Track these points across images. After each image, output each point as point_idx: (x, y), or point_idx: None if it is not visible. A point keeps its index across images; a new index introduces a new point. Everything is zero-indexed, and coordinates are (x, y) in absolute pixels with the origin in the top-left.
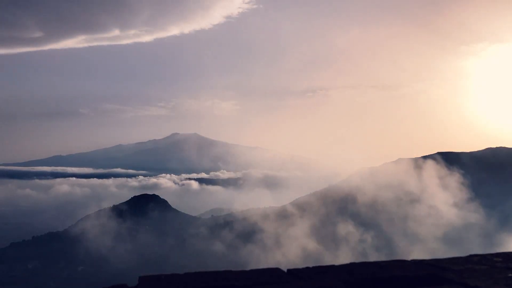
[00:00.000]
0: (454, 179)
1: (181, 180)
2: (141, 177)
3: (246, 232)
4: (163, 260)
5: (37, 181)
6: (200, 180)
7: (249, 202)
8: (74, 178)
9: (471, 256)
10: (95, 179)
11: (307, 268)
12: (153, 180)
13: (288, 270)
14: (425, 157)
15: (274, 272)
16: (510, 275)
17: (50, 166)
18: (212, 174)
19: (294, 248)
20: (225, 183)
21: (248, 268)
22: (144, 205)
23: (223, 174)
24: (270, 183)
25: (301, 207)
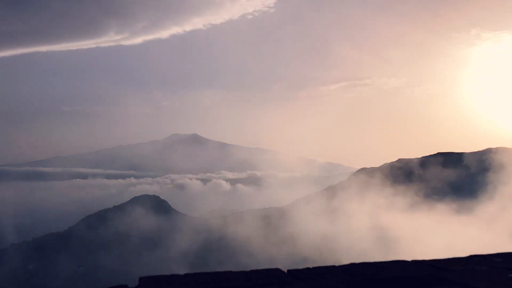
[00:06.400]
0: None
1: (193, 180)
2: (148, 178)
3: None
4: (163, 261)
5: (38, 182)
6: (207, 181)
7: (254, 203)
8: (75, 179)
9: (471, 256)
10: (96, 179)
11: (308, 268)
12: (178, 180)
13: (289, 270)
14: (425, 157)
15: (274, 273)
16: (510, 275)
17: (50, 167)
18: (218, 175)
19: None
20: (233, 183)
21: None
22: (144, 206)
23: (228, 175)
24: (275, 183)
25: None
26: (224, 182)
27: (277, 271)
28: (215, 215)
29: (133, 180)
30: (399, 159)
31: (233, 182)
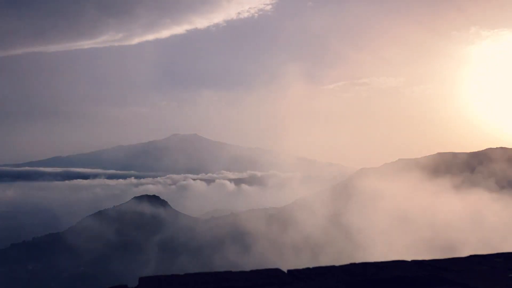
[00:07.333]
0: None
1: (189, 180)
2: (149, 178)
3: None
4: (163, 261)
5: (37, 182)
6: (207, 181)
7: (254, 203)
8: (74, 179)
9: (471, 256)
10: (96, 179)
11: (308, 268)
12: (179, 180)
13: (289, 270)
14: (425, 158)
15: (274, 273)
16: (510, 275)
17: (50, 167)
18: (218, 175)
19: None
20: (235, 183)
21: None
22: (144, 206)
23: (228, 175)
24: (275, 183)
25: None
26: (227, 182)
27: (277, 271)
28: (216, 215)
29: (133, 180)
30: (399, 159)
31: (235, 182)
